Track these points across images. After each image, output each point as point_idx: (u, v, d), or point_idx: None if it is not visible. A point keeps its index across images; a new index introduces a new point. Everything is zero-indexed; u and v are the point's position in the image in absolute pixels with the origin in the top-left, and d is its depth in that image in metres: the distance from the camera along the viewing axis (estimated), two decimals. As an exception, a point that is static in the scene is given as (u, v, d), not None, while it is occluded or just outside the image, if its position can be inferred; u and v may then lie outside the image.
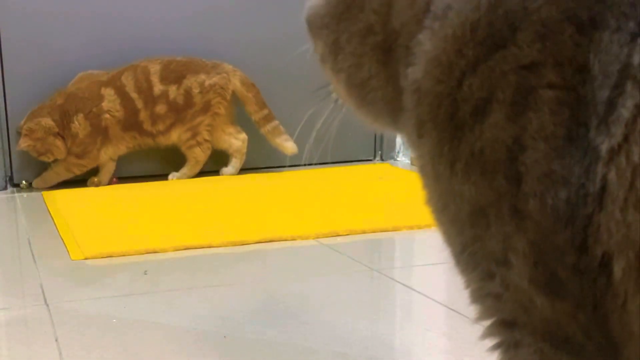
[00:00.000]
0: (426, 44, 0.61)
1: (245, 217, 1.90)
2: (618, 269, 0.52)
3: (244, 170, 2.51)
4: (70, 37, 2.38)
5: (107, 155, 2.38)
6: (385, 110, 0.71)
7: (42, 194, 2.22)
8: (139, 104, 2.35)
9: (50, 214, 1.98)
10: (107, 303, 1.33)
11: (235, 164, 2.46)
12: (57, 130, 2.28)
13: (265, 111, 2.43)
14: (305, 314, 1.28)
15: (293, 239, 1.71)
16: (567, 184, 0.54)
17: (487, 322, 0.63)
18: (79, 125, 2.30)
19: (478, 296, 0.63)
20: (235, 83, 2.42)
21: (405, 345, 1.20)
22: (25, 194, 2.30)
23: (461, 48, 0.58)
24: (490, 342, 0.63)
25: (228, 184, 2.36)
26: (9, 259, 1.67)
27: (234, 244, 1.68)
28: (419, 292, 1.40)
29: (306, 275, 1.51)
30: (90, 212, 2.01)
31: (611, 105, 0.52)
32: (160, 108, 2.36)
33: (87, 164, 2.37)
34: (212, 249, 1.66)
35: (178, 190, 2.30)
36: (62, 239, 1.73)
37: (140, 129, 2.37)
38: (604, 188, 0.52)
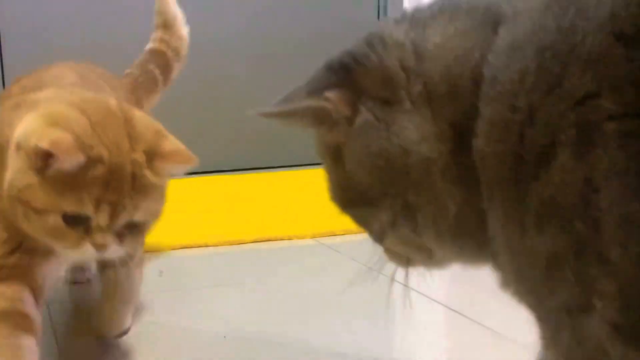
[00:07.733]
0: (484, 113, 0.60)
1: (242, 217, 1.90)
2: None
3: (242, 170, 2.51)
4: (71, 37, 2.38)
5: None
6: (475, 239, 0.66)
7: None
8: None
9: (47, 213, 1.97)
10: (106, 303, 1.33)
11: None
12: None
13: None
14: (305, 314, 1.28)
15: (290, 239, 1.71)
16: None
17: None
18: None
19: (551, 345, 0.60)
20: None
21: (405, 345, 1.20)
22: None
23: (513, 102, 0.56)
24: None
25: (225, 184, 2.36)
26: (6, 258, 1.66)
27: (231, 244, 1.68)
28: (419, 292, 1.40)
29: (305, 275, 1.51)
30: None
31: None
32: None
33: None
34: (209, 248, 1.66)
35: (175, 190, 2.29)
36: (59, 239, 1.72)
37: None
38: None
